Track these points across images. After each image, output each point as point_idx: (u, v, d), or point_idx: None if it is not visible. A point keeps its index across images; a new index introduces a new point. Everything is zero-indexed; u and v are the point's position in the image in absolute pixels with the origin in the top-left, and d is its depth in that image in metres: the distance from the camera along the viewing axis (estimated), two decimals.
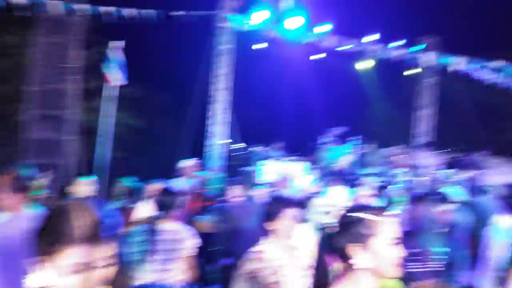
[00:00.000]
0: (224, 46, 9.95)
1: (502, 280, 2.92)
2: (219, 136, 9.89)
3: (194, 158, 6.26)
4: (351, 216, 1.53)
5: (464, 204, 6.06)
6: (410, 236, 2.80)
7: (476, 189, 6.93)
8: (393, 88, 13.39)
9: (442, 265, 3.09)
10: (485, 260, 3.58)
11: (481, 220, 4.34)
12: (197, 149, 9.50)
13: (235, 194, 4.12)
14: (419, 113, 12.32)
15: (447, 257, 3.24)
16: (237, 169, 5.91)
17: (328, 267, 1.92)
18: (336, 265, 1.59)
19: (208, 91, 9.99)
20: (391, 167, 9.08)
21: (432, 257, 3.01)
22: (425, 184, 7.27)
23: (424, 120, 12.28)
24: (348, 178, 5.68)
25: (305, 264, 2.75)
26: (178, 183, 5.40)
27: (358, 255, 1.47)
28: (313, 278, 2.77)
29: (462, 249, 4.77)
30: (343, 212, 1.58)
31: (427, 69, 11.98)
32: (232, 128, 10.16)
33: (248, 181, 4.19)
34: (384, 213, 1.52)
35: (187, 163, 5.94)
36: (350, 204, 4.30)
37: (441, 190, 6.26)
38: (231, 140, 10.42)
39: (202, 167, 7.54)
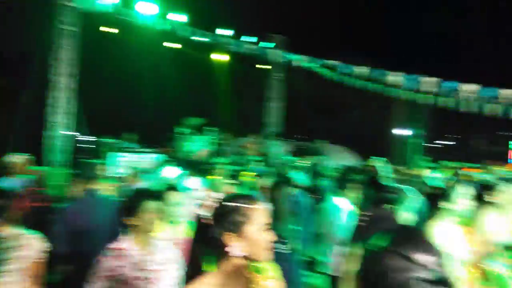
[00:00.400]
0: (68, 27, 8.91)
1: (341, 253, 3.28)
2: (61, 127, 8.87)
3: (26, 153, 5.43)
4: (227, 205, 1.56)
5: (307, 187, 6.71)
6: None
7: (316, 173, 7.75)
8: (246, 81, 14.05)
9: (294, 243, 3.32)
10: (326, 236, 4.00)
11: (321, 200, 4.82)
12: (34, 142, 8.34)
13: (79, 190, 3.69)
14: (269, 105, 13.18)
15: (296, 235, 3.50)
16: (83, 163, 5.35)
17: (201, 258, 1.94)
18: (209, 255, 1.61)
19: (47, 76, 8.82)
20: (245, 156, 9.49)
21: (286, 236, 3.22)
22: (274, 170, 7.79)
23: (274, 112, 13.21)
24: (204, 167, 5.68)
25: (171, 258, 2.67)
26: (7, 182, 4.61)
27: (234, 243, 1.51)
28: (186, 270, 2.75)
29: (307, 228, 5.26)
30: (217, 202, 1.61)
31: (276, 65, 12.89)
32: (78, 117, 9.21)
33: (95, 175, 3.80)
34: (255, 201, 1.58)
35: (16, 158, 5.12)
36: (208, 193, 4.33)
37: (287, 175, 6.82)
38: (76, 132, 9.45)
39: (39, 161, 6.65)
